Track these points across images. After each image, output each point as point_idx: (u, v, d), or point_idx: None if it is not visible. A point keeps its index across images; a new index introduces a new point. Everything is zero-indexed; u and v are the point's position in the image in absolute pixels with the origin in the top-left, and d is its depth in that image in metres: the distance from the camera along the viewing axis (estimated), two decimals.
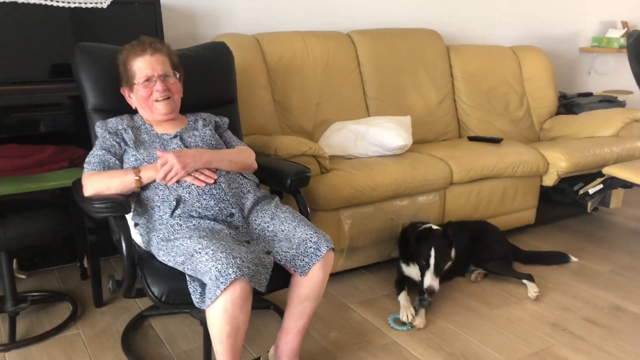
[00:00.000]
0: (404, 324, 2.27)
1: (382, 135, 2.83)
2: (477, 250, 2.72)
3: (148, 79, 1.92)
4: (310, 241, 1.73)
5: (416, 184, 2.70)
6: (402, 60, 3.43)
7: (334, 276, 2.68)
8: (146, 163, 1.86)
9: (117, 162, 1.89)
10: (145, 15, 2.68)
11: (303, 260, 1.73)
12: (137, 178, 1.81)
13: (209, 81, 2.39)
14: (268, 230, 1.82)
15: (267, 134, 2.89)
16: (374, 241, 2.68)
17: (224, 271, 1.54)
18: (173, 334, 2.20)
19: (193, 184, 1.83)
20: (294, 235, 1.76)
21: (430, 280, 2.26)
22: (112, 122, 1.98)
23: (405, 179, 2.66)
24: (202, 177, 1.84)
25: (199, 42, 2.75)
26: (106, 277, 2.17)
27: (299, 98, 3.08)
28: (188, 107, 2.16)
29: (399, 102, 3.39)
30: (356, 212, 2.58)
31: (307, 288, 1.75)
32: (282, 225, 1.81)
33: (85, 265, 2.60)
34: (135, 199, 1.87)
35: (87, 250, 2.35)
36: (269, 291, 1.68)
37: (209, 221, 1.78)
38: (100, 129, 1.96)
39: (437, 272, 2.28)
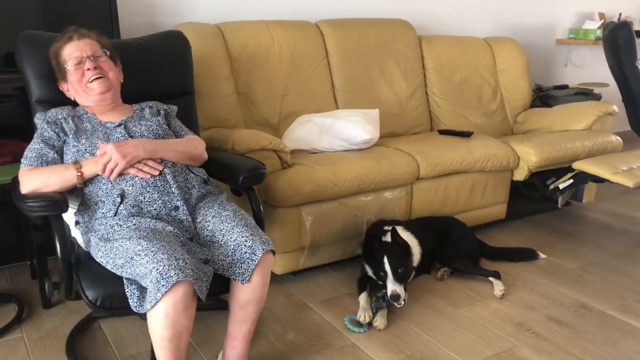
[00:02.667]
0: (361, 325, 2.19)
1: (347, 129, 2.74)
2: (442, 248, 2.65)
3: (79, 62, 1.83)
4: (245, 245, 1.65)
5: (381, 179, 2.62)
6: (371, 50, 3.33)
7: (296, 274, 2.60)
8: (88, 154, 1.76)
9: (55, 155, 1.78)
10: (98, 3, 2.55)
11: (241, 267, 1.65)
12: (79, 174, 1.71)
13: (163, 72, 2.29)
14: (207, 229, 1.74)
15: (229, 128, 2.79)
16: (338, 238, 2.60)
17: (165, 273, 1.46)
18: (122, 337, 2.11)
19: (137, 176, 1.73)
20: (230, 237, 1.68)
21: (392, 286, 2.16)
22: (52, 112, 1.87)
23: (369, 173, 2.58)
24: (146, 169, 1.75)
25: (158, 32, 2.64)
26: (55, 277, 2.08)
27: (264, 90, 2.98)
28: (141, 99, 2.06)
29: (369, 94, 3.30)
30: (318, 209, 2.49)
31: (246, 293, 1.67)
32: (221, 225, 1.72)
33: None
34: (78, 195, 1.77)
35: (33, 249, 2.24)
36: (208, 297, 1.60)
37: (150, 219, 1.69)
38: (38, 119, 1.86)
39: (398, 278, 2.18)
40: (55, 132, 1.81)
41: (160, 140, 1.83)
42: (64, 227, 1.68)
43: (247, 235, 1.67)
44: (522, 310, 2.35)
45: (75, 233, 1.84)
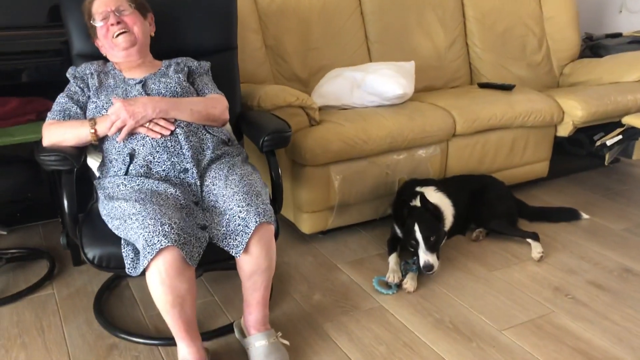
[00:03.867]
0: (389, 286, 2.13)
1: (379, 83, 2.61)
2: (478, 208, 2.54)
3: (104, 17, 1.78)
4: (239, 217, 1.57)
5: (414, 136, 2.50)
6: None
7: (325, 234, 2.54)
8: (105, 110, 1.73)
9: (78, 110, 1.77)
10: None
11: (235, 239, 1.57)
12: (93, 131, 1.68)
13: (203, 25, 2.17)
14: (212, 194, 1.68)
15: (257, 83, 2.70)
16: (368, 198, 2.51)
17: (150, 240, 1.44)
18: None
19: (147, 136, 1.68)
20: (228, 206, 1.61)
21: (424, 256, 2.08)
22: (82, 66, 1.87)
23: (401, 130, 2.46)
24: (156, 129, 1.70)
25: None
26: None
27: (293, 42, 2.86)
28: (177, 55, 2.00)
29: (404, 45, 3.14)
30: (347, 167, 2.40)
31: (249, 264, 1.61)
32: (224, 190, 1.65)
33: None
34: (101, 150, 1.76)
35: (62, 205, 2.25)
36: (205, 265, 1.58)
37: (155, 181, 1.65)
38: (69, 74, 1.86)
39: (430, 246, 2.10)
40: (80, 87, 1.80)
41: (175, 99, 1.77)
42: (72, 183, 1.67)
43: (244, 205, 1.58)
44: (561, 274, 2.23)
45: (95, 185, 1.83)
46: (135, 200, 1.54)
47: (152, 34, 1.92)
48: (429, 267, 2.08)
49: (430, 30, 3.21)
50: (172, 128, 1.70)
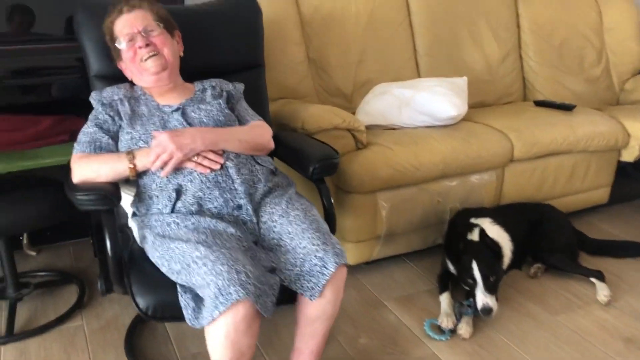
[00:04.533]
0: (442, 331, 1.95)
1: (431, 102, 2.43)
2: (536, 240, 2.33)
3: (130, 39, 1.62)
4: (316, 256, 1.43)
5: (469, 162, 2.31)
6: (460, 8, 2.95)
7: (369, 265, 2.37)
8: (142, 142, 1.57)
9: (110, 141, 1.61)
10: None
11: (310, 281, 1.43)
12: (132, 166, 1.53)
13: (230, 42, 2.05)
14: (273, 231, 1.52)
15: (298, 98, 2.55)
16: (417, 226, 2.33)
17: (225, 289, 1.27)
18: (184, 333, 1.97)
19: (195, 171, 1.53)
20: (299, 243, 1.46)
21: (483, 298, 1.90)
22: (108, 91, 1.69)
23: (455, 156, 2.28)
24: (205, 162, 1.54)
25: None
26: None
27: (338, 55, 2.69)
28: (203, 73, 1.85)
29: (454, 58, 2.94)
30: (396, 195, 2.23)
31: (316, 308, 1.47)
32: (289, 226, 1.50)
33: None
34: (134, 181, 1.60)
35: (92, 230, 2.13)
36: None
37: (210, 219, 1.49)
38: (94, 100, 1.68)
39: (489, 287, 1.91)
40: (110, 116, 1.63)
41: (222, 129, 1.61)
42: (115, 223, 1.51)
43: (319, 243, 1.44)
44: (632, 322, 2.03)
45: (132, 224, 1.68)
46: (197, 242, 1.39)
47: (181, 54, 1.76)
48: (487, 310, 1.90)
49: (483, 42, 3.01)
50: (222, 161, 1.54)
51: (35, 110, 2.04)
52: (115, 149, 1.61)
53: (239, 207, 1.53)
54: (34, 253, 2.45)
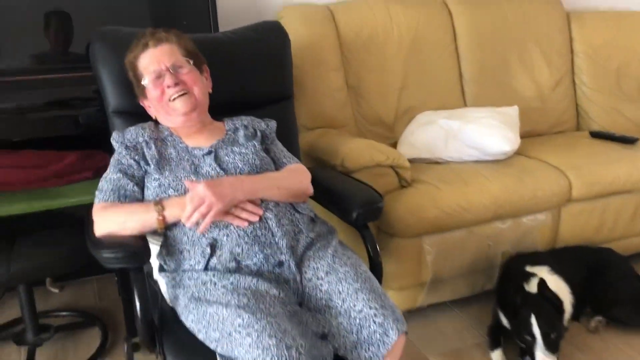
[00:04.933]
0: None
1: (481, 135, 2.24)
2: (596, 289, 2.12)
3: (157, 76, 1.48)
4: (375, 322, 1.27)
5: (523, 203, 2.12)
6: (509, 32, 2.76)
7: (412, 313, 2.18)
8: (172, 189, 1.42)
9: (135, 188, 1.45)
10: None
11: (368, 349, 1.27)
12: (161, 217, 1.37)
13: (256, 73, 1.91)
14: (321, 291, 1.35)
15: (336, 127, 2.39)
16: (465, 272, 2.15)
17: None
18: None
19: (232, 224, 1.37)
20: (353, 305, 1.30)
21: (543, 358, 1.70)
22: (131, 132, 1.54)
23: (508, 196, 2.08)
24: (244, 215, 1.38)
25: (261, 16, 2.28)
26: None
27: (378, 82, 2.53)
28: (228, 107, 1.72)
29: (503, 85, 2.75)
30: (443, 239, 2.04)
31: None
32: (339, 285, 1.34)
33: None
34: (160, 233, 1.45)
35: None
36: None
37: (250, 277, 1.33)
38: (116, 142, 1.53)
39: (550, 345, 1.71)
40: (135, 160, 1.48)
41: (259, 176, 1.46)
42: (144, 282, 1.37)
43: (376, 307, 1.28)
44: None
45: (159, 278, 1.53)
46: (239, 307, 1.23)
47: (210, 91, 1.61)
48: None
49: (533, 67, 2.81)
50: (261, 212, 1.38)
51: (60, 144, 1.92)
52: (141, 197, 1.46)
53: (281, 263, 1.37)
54: (56, 290, 2.33)
